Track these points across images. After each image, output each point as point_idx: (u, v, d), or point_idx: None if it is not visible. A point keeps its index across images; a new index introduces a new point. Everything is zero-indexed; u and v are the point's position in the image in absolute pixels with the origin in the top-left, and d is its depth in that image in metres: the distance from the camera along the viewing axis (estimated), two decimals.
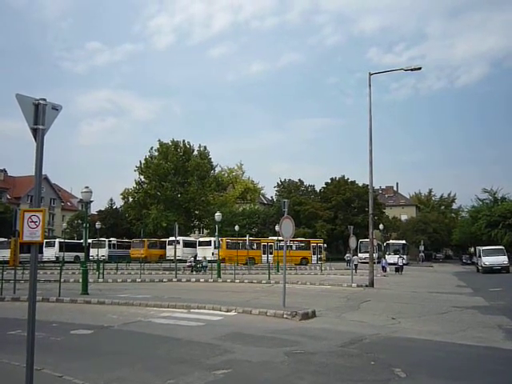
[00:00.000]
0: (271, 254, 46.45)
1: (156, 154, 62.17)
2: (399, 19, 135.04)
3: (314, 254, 51.54)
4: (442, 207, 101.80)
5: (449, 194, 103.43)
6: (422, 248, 69.75)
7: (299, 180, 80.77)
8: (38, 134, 5.26)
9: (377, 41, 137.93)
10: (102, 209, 72.75)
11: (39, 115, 5.28)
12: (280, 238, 21.07)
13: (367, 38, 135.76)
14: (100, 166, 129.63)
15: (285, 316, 12.13)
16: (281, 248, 47.84)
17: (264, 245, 49.92)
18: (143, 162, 61.70)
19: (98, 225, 45.34)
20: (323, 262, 46.91)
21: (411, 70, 24.36)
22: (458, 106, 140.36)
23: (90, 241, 42.61)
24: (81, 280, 18.25)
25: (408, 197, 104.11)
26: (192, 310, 13.50)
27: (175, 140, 63.11)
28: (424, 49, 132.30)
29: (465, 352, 8.66)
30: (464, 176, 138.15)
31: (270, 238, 51.15)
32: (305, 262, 48.58)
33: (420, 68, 24.46)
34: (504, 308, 15.13)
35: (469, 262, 69.87)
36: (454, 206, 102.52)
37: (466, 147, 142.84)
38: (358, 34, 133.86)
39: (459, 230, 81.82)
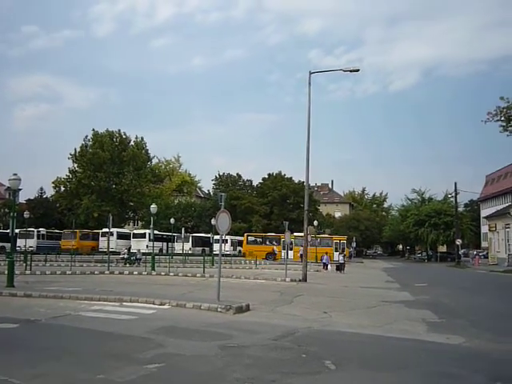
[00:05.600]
0: (291, 249, 46.62)
1: (90, 143, 60.35)
2: (340, 23, 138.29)
3: (336, 251, 51.12)
4: (374, 205, 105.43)
5: (381, 193, 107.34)
6: (354, 245, 71.93)
7: (237, 174, 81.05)
8: None
9: (318, 42, 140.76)
10: (32, 197, 69.84)
11: None
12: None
13: (309, 39, 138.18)
14: (31, 153, 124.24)
15: (219, 310, 12.13)
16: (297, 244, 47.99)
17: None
18: (78, 150, 59.75)
19: (26, 214, 43.56)
20: (347, 260, 47.15)
21: (350, 71, 24.95)
22: (392, 109, 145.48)
23: (17, 231, 40.88)
24: (6, 272, 17.40)
25: (342, 195, 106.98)
26: (124, 303, 13.24)
27: (110, 130, 61.51)
28: (362, 53, 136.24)
29: (391, 344, 9.03)
30: (395, 176, 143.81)
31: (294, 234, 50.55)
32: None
33: (358, 70, 25.11)
34: (428, 302, 15.88)
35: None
36: (385, 205, 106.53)
37: (399, 148, 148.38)
38: (300, 34, 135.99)
39: (389, 228, 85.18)
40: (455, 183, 57.20)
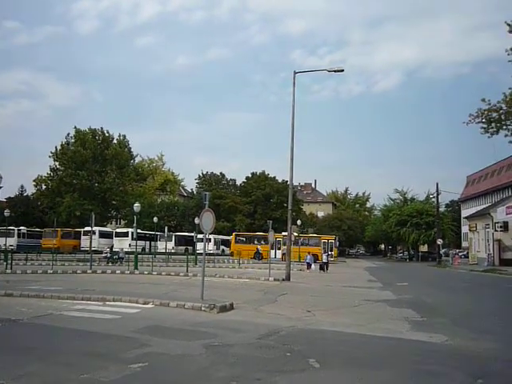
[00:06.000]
0: (279, 249, 46.58)
1: (72, 140, 59.79)
2: (323, 24, 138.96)
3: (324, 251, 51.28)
4: (357, 205, 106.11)
5: (363, 193, 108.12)
6: (336, 244, 72.34)
7: (220, 173, 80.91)
8: None
9: (301, 43, 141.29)
10: (12, 196, 68.84)
11: None
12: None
13: (292, 39, 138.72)
14: (12, 151, 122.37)
15: (203, 309, 12.11)
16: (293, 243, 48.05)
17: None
18: (59, 148, 59.12)
19: (6, 212, 42.82)
20: (335, 260, 47.38)
21: (334, 71, 25.08)
22: (376, 110, 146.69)
23: None
24: None
25: (325, 194, 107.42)
26: (107, 303, 13.15)
27: (93, 128, 61.01)
28: (345, 54, 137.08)
29: (375, 343, 9.10)
30: (378, 176, 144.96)
31: (282, 233, 50.37)
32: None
33: (342, 70, 25.24)
34: (410, 301, 16.03)
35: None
36: (368, 205, 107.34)
37: (382, 149, 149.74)
38: (283, 35, 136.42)
39: (372, 228, 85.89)
40: (437, 184, 57.84)
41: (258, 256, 48.91)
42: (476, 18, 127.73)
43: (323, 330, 10.15)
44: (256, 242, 52.56)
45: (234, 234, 56.59)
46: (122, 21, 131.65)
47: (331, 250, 52.88)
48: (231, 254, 49.70)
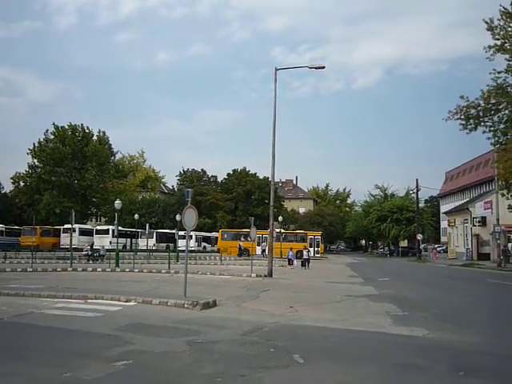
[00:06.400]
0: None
1: (52, 137, 58.99)
2: (304, 21, 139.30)
3: (310, 247, 51.29)
4: (338, 201, 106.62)
5: (344, 189, 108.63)
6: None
7: (202, 170, 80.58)
8: None
9: (282, 40, 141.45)
10: None
11: None
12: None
13: (273, 36, 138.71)
14: None
15: (186, 306, 12.07)
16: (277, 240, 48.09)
17: (259, 236, 48.71)
18: (37, 144, 58.31)
19: None
20: (321, 256, 47.29)
21: (315, 68, 25.14)
22: (356, 107, 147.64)
23: None
24: None
25: (306, 190, 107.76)
26: (89, 301, 13.02)
27: (73, 124, 60.25)
28: (325, 51, 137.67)
29: (358, 337, 9.17)
30: (359, 172, 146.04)
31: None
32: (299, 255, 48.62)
33: (324, 67, 25.29)
34: (391, 296, 16.18)
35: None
36: (349, 201, 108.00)
37: (363, 145, 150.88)
38: (264, 32, 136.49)
39: (352, 224, 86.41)
40: (417, 180, 58.53)
41: (240, 253, 48.87)
42: (452, 16, 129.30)
43: (306, 326, 10.19)
44: (243, 239, 52.42)
45: (220, 230, 56.54)
46: (101, 16, 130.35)
47: (318, 246, 53.27)
48: (218, 251, 49.50)
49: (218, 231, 63.91)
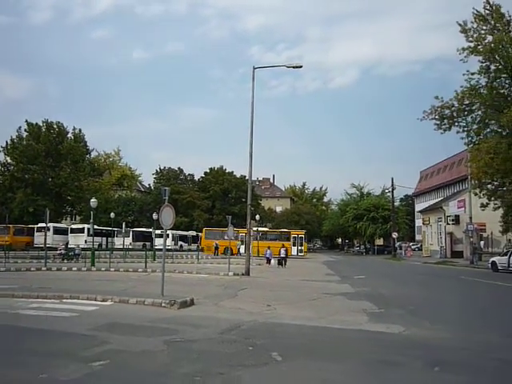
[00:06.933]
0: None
1: (25, 134, 57.98)
2: (281, 20, 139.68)
3: (294, 246, 51.27)
4: (314, 200, 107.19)
5: (321, 188, 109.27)
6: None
7: (179, 168, 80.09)
8: None
9: (259, 39, 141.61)
10: None
11: None
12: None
13: (250, 35, 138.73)
14: None
15: (163, 305, 12.00)
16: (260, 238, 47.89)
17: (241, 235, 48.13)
18: (9, 142, 57.25)
19: None
20: (305, 254, 47.14)
21: (293, 67, 25.21)
22: (333, 106, 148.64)
23: None
24: None
25: (283, 189, 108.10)
26: (64, 300, 12.82)
27: (49, 121, 59.28)
28: (302, 50, 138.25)
29: (335, 335, 9.27)
30: (335, 171, 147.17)
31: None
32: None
33: (301, 66, 25.42)
34: (367, 294, 16.38)
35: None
36: (325, 199, 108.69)
37: (339, 144, 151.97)
38: (241, 31, 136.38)
39: (329, 222, 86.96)
40: (392, 178, 59.32)
41: (216, 251, 48.64)
42: (426, 18, 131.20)
43: (284, 324, 10.24)
44: (226, 238, 51.75)
45: (204, 229, 55.99)
46: (76, 12, 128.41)
47: (301, 245, 53.41)
48: (202, 250, 49.17)
49: (194, 230, 63.74)
